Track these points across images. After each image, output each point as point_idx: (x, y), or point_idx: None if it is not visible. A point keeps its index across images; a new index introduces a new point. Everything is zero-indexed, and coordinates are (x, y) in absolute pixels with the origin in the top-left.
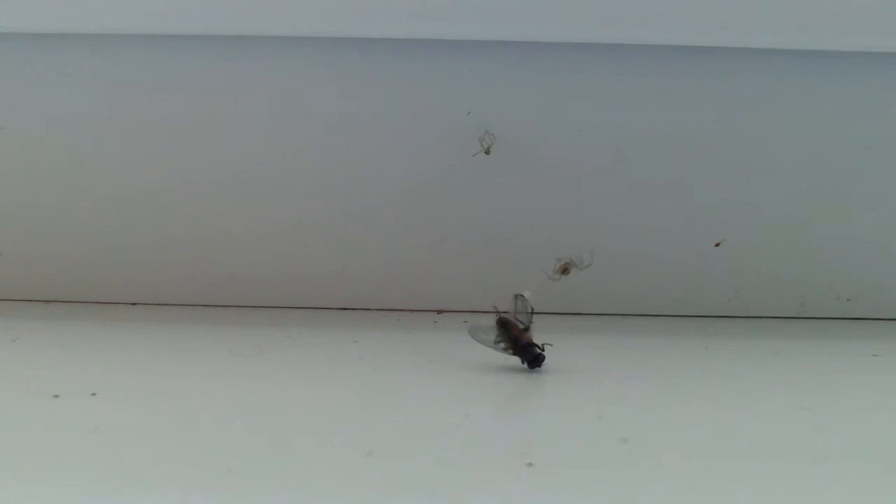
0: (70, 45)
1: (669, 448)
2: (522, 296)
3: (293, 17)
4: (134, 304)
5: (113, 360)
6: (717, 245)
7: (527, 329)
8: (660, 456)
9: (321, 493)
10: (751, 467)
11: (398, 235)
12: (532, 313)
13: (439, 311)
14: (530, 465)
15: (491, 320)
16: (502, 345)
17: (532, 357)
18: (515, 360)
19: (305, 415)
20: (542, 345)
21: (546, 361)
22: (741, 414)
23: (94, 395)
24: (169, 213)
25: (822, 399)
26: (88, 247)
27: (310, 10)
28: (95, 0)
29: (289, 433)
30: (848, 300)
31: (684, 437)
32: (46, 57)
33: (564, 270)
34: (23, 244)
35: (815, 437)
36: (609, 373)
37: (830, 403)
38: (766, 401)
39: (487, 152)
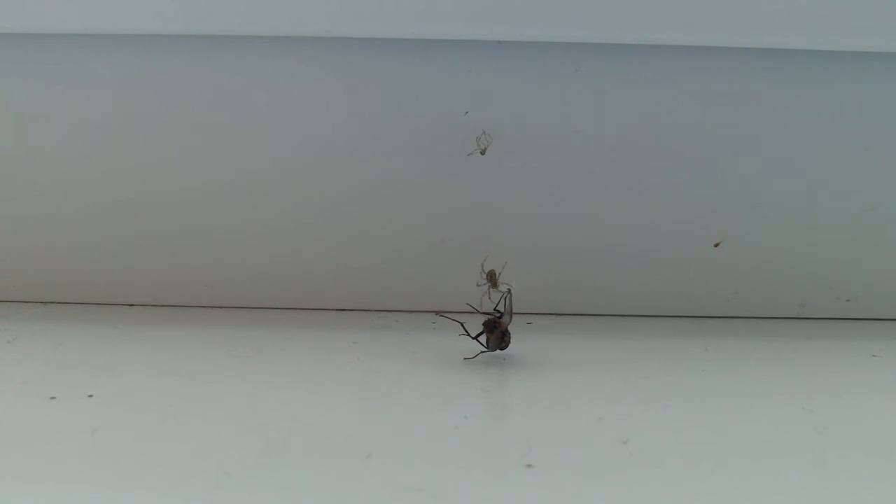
0: (68, 45)
1: (669, 449)
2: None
3: (293, 18)
4: (132, 305)
5: (110, 361)
6: (717, 245)
7: (500, 316)
8: (659, 457)
9: (320, 495)
10: (750, 468)
11: (397, 236)
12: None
13: (438, 313)
14: (529, 466)
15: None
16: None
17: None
18: (518, 362)
19: (304, 416)
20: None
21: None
22: (741, 415)
23: (91, 396)
24: (167, 214)
25: (822, 399)
26: (86, 248)
27: (309, 10)
28: (96, 0)
29: (287, 435)
30: (847, 301)
31: (684, 438)
32: (45, 58)
33: (491, 278)
34: (20, 245)
35: (815, 437)
36: (609, 374)
37: (830, 404)
38: (765, 401)
39: (483, 153)
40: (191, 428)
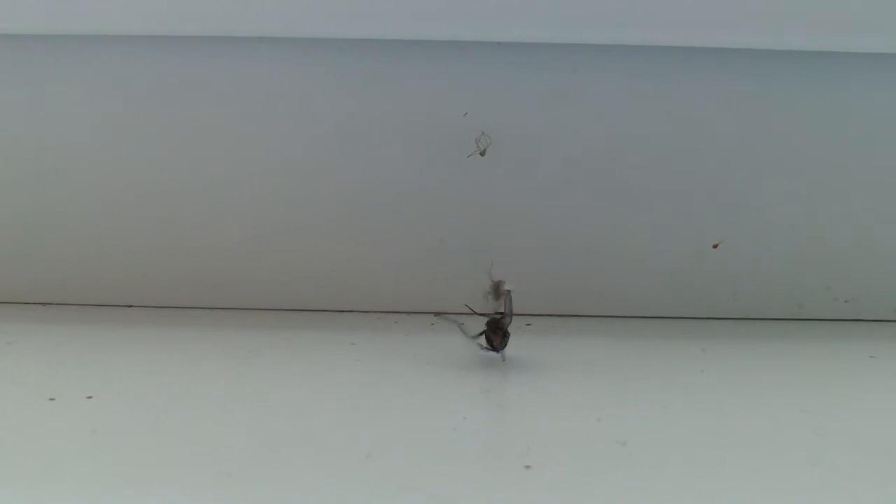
0: (68, 46)
1: (667, 450)
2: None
3: (293, 19)
4: (130, 306)
5: (109, 362)
6: (715, 246)
7: (501, 316)
8: (658, 458)
9: (320, 495)
10: (749, 469)
11: (396, 237)
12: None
13: (437, 314)
14: (528, 467)
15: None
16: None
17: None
18: (517, 363)
19: (303, 417)
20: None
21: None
22: (739, 416)
23: (90, 397)
24: (166, 215)
25: (820, 400)
26: (85, 249)
27: (309, 11)
28: (95, 1)
29: (287, 436)
30: (846, 302)
31: (682, 439)
32: (45, 58)
33: (497, 289)
34: (19, 247)
35: (813, 438)
36: (607, 375)
37: (828, 404)
38: (763, 402)
39: (483, 153)
40: (190, 428)
